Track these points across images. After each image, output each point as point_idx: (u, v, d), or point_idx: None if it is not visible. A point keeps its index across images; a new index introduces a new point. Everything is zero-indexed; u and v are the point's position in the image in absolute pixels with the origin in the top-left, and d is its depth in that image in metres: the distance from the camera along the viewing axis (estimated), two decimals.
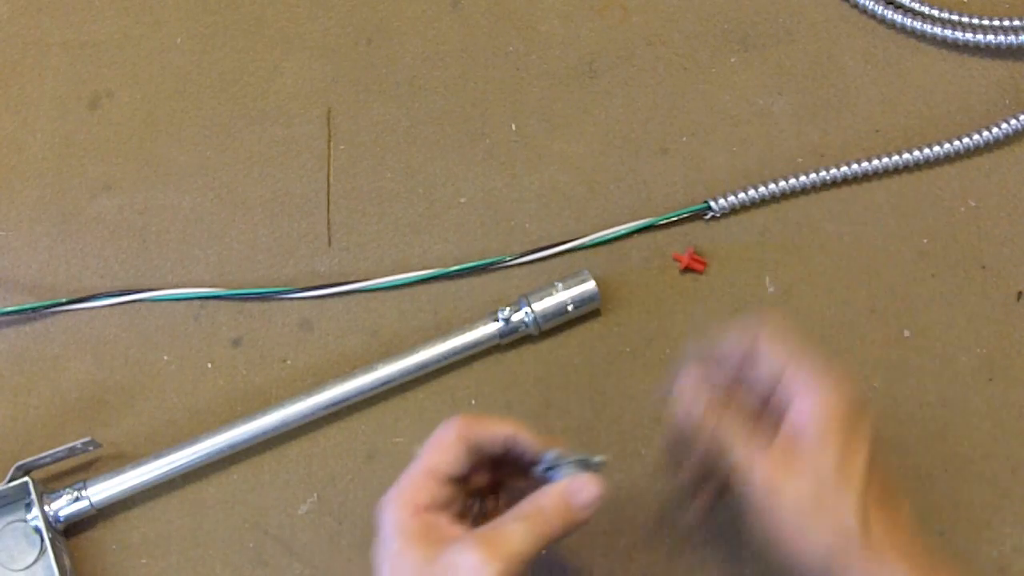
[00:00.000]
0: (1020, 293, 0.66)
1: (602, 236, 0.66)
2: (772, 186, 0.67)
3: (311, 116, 0.71)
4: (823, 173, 0.67)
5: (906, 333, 0.65)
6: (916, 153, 0.68)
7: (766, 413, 0.48)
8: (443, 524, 0.46)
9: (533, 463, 0.48)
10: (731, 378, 0.50)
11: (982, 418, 0.63)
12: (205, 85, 0.73)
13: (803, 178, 0.67)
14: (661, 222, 0.67)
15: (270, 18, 0.75)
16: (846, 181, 0.68)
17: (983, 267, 0.66)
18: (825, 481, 0.45)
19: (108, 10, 0.75)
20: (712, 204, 0.66)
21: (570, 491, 0.46)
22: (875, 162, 0.67)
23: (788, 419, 0.46)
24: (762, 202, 0.67)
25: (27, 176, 0.70)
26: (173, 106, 0.72)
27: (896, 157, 0.67)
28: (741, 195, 0.66)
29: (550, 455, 0.48)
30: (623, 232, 0.66)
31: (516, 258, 0.66)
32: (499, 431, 0.48)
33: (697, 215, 0.67)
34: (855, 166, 0.67)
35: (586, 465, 0.48)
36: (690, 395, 0.49)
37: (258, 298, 0.66)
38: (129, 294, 0.65)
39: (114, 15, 0.75)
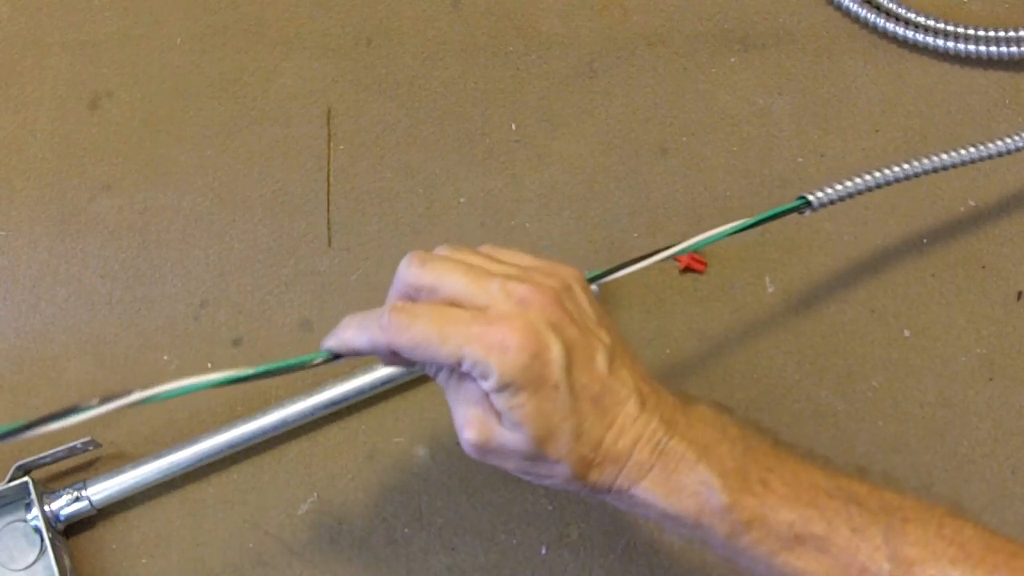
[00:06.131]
0: (1020, 293, 0.66)
1: (695, 243, 0.54)
2: (867, 177, 0.58)
3: (311, 116, 0.71)
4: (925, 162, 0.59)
5: (906, 333, 0.65)
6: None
7: None
8: None
9: None
10: None
11: (982, 418, 0.63)
12: (205, 85, 0.73)
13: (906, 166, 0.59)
14: (755, 223, 0.56)
15: (270, 18, 0.75)
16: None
17: (983, 267, 0.66)
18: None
19: (108, 10, 0.75)
20: (811, 198, 0.57)
21: None
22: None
23: None
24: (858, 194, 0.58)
25: (27, 176, 0.70)
26: (173, 106, 0.72)
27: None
28: (839, 187, 0.58)
29: None
30: (720, 235, 0.55)
31: None
32: None
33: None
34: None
35: None
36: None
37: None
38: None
39: (114, 15, 0.75)
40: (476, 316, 0.42)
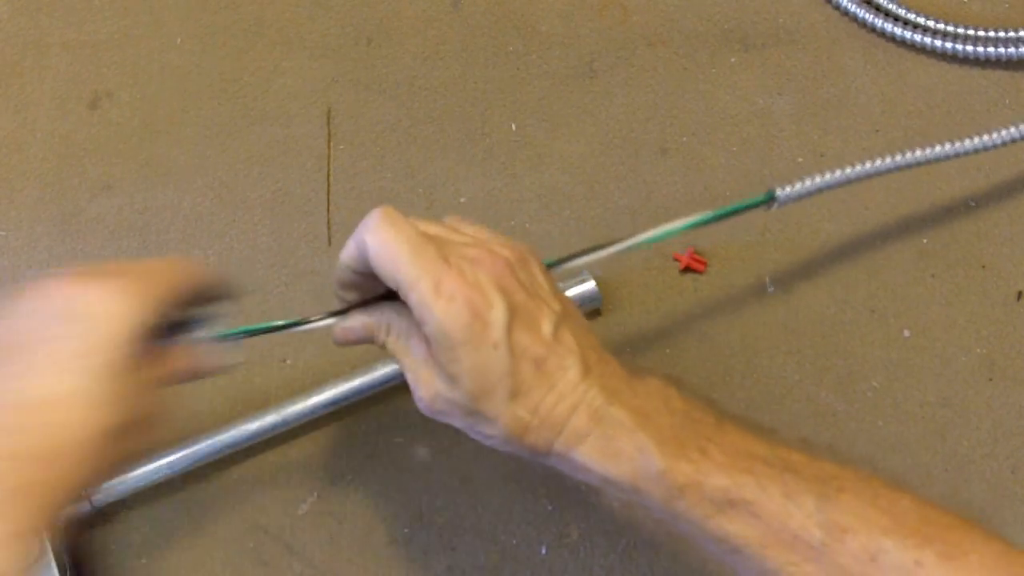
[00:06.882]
0: (1020, 293, 0.66)
1: (653, 235, 0.54)
2: (838, 172, 0.58)
3: (311, 116, 0.71)
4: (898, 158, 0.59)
5: (906, 333, 0.65)
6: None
7: None
8: None
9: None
10: None
11: (982, 418, 0.63)
12: (205, 85, 0.73)
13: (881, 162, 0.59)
14: (719, 216, 0.55)
15: (270, 18, 0.75)
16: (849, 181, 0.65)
17: (983, 267, 0.66)
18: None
19: (108, 10, 0.75)
20: (777, 192, 0.56)
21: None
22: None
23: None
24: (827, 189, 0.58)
25: (27, 176, 0.70)
26: (173, 106, 0.72)
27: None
28: (807, 182, 0.57)
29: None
30: (682, 228, 0.54)
31: None
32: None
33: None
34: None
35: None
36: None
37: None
38: None
39: (114, 15, 0.75)
40: (443, 262, 0.44)
